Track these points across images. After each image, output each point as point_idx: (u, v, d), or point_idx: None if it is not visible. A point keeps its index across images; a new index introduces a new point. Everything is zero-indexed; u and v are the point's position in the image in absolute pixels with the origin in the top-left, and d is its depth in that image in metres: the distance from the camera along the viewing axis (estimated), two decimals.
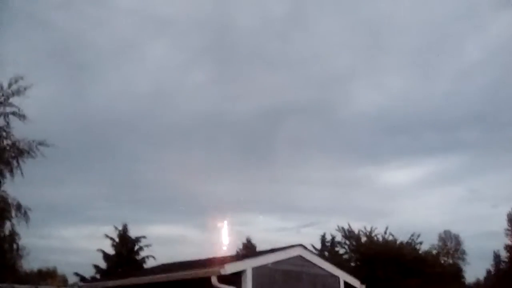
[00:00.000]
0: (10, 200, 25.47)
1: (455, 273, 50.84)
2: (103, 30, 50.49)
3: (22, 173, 25.80)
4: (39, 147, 26.07)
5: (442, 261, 42.26)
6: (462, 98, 65.44)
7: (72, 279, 39.19)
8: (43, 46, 47.36)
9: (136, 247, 41.28)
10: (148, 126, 51.52)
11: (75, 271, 39.78)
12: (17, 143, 25.98)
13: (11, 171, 25.59)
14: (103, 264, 40.11)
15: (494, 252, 66.49)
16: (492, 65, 61.56)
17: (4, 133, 26.00)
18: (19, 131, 26.06)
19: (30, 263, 33.60)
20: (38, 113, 27.17)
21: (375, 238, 36.44)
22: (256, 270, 15.12)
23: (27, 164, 25.99)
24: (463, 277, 58.04)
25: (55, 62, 48.58)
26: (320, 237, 47.79)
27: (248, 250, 47.48)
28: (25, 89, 25.76)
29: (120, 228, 40.99)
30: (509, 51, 56.76)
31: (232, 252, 39.64)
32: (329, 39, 55.36)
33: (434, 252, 44.70)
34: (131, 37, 52.68)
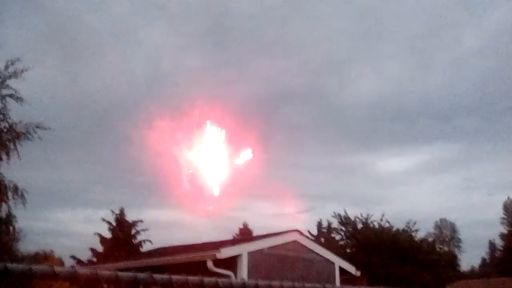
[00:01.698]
0: (6, 183, 25.41)
1: (451, 261, 51.06)
2: (100, 13, 50.21)
3: (19, 156, 25.75)
4: (36, 129, 25.99)
5: (438, 249, 42.31)
6: (458, 86, 65.49)
7: (68, 262, 39.26)
8: (40, 29, 47.12)
9: (133, 231, 41.41)
10: (144, 110, 51.41)
11: (72, 254, 39.97)
12: (14, 126, 25.88)
13: (7, 154, 25.51)
14: (100, 248, 40.24)
15: (490, 240, 66.86)
16: (489, 53, 61.49)
17: (1, 116, 25.91)
18: (16, 113, 25.98)
19: (27, 246, 33.73)
20: (34, 95, 27.07)
21: (371, 225, 36.51)
22: (252, 255, 15.17)
23: (24, 147, 25.93)
24: (458, 265, 58.43)
25: (51, 45, 48.41)
26: (316, 223, 48.04)
27: (245, 235, 47.62)
28: (22, 71, 25.61)
29: (117, 212, 41.09)
30: (506, 39, 56.65)
31: (229, 237, 39.79)
32: (326, 25, 55.20)
33: (430, 240, 44.84)
34: (128, 21, 52.41)
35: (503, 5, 53.44)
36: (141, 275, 2.57)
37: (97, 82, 50.29)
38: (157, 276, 2.64)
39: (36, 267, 2.26)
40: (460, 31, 60.24)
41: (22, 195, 25.60)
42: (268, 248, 16.12)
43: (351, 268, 19.19)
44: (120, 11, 49.65)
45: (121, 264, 18.25)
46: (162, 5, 51.81)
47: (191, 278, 2.82)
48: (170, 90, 53.21)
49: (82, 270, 2.43)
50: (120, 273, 2.52)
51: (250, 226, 52.63)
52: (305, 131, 61.62)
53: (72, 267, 2.45)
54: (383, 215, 35.93)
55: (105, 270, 2.52)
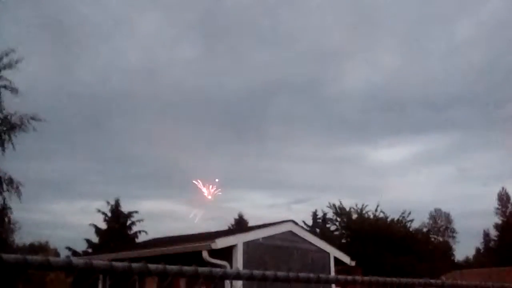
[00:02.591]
0: (1, 174, 25.41)
1: (445, 251, 51.29)
2: (93, 4, 50.10)
3: (13, 147, 25.71)
4: (31, 121, 25.93)
5: (433, 239, 42.50)
6: (452, 77, 65.61)
7: (64, 253, 39.32)
8: (34, 20, 47.01)
9: (128, 222, 41.43)
10: (138, 101, 51.39)
11: (67, 245, 39.99)
12: (9, 117, 25.83)
13: (2, 145, 25.49)
14: (95, 239, 40.28)
15: (484, 230, 67.15)
16: (483, 44, 61.73)
17: None
18: (9, 105, 25.93)
19: (22, 237, 33.72)
20: (28, 87, 27.05)
21: (366, 215, 36.64)
22: (247, 245, 15.22)
23: (18, 138, 25.88)
24: (453, 255, 58.69)
25: (45, 35, 48.32)
26: (311, 213, 48.16)
27: (240, 226, 47.73)
28: (16, 62, 25.56)
29: (112, 203, 41.07)
30: (499, 30, 56.77)
31: (224, 227, 39.87)
32: (320, 16, 55.21)
33: (425, 230, 45.01)
34: (122, 12, 52.34)
35: None
36: (136, 265, 2.58)
37: (91, 73, 50.29)
38: (152, 266, 2.65)
39: (31, 258, 2.27)
40: (454, 22, 60.35)
41: (17, 187, 25.61)
42: (263, 238, 16.17)
43: (346, 258, 19.29)
44: (114, 2, 49.48)
45: (116, 255, 18.28)
46: None
47: (186, 268, 2.83)
48: (164, 81, 53.16)
49: (77, 261, 2.43)
50: (115, 263, 2.53)
51: (245, 217, 52.82)
52: (299, 122, 61.76)
53: (67, 257, 2.46)
54: (377, 206, 36.04)
55: (100, 261, 2.53)
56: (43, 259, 2.33)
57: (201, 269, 2.85)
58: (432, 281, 5.04)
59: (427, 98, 66.19)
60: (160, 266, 2.64)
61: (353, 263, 19.60)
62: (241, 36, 54.70)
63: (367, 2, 53.43)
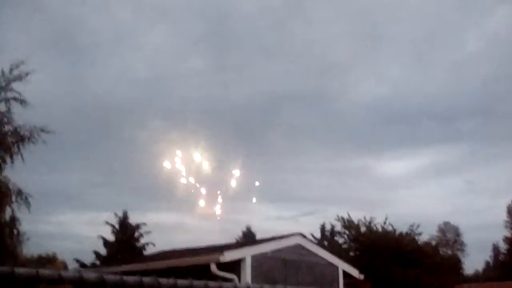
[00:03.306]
0: (10, 186, 25.45)
1: (454, 265, 51.00)
2: (101, 15, 50.32)
3: (22, 159, 25.79)
4: (40, 133, 26.02)
5: (441, 252, 42.37)
6: (460, 89, 65.28)
7: (72, 265, 39.32)
8: (41, 31, 47.27)
9: (136, 234, 41.45)
10: (145, 112, 51.53)
11: (75, 257, 40.02)
12: (18, 129, 25.93)
13: (11, 157, 25.55)
14: (103, 251, 40.29)
15: (493, 244, 66.68)
16: (491, 55, 61.38)
17: (5, 119, 25.96)
18: (19, 116, 26.04)
19: (30, 249, 33.73)
20: (36, 98, 27.10)
21: (375, 228, 36.51)
22: (255, 258, 15.19)
23: (27, 150, 25.98)
24: (462, 268, 58.31)
25: (54, 48, 48.45)
26: (319, 226, 48.00)
27: (248, 238, 47.63)
28: (26, 74, 25.69)
29: (120, 214, 41.13)
30: (508, 42, 56.59)
31: (232, 240, 39.79)
32: (326, 28, 55.06)
33: (433, 243, 44.83)
34: (130, 23, 52.54)
35: (505, 8, 53.41)
36: (146, 279, 2.59)
37: (99, 85, 50.44)
38: (163, 280, 2.66)
39: (42, 271, 2.28)
40: (462, 34, 60.15)
41: (26, 198, 25.64)
42: (271, 251, 16.14)
43: (354, 272, 19.21)
44: (122, 14, 49.74)
45: (125, 268, 18.28)
46: (163, 8, 51.91)
47: (196, 282, 2.83)
48: (171, 93, 53.35)
49: (88, 274, 2.45)
50: (126, 277, 2.54)
51: (253, 229, 52.73)
52: (306, 135, 61.60)
53: (78, 271, 2.47)
54: (386, 218, 35.93)
55: (110, 274, 2.54)
56: (54, 272, 2.34)
57: (211, 283, 2.86)
58: None
59: (435, 110, 65.97)
60: (171, 280, 2.66)
61: (361, 277, 19.51)
62: (248, 47, 54.80)
63: (374, 14, 53.42)
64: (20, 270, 2.22)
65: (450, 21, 57.13)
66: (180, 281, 2.68)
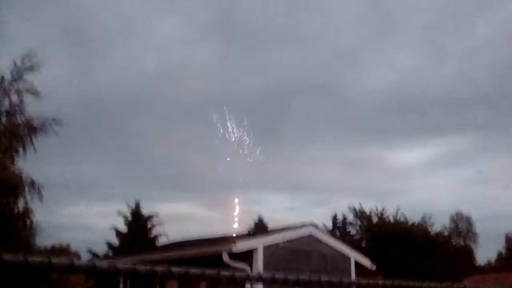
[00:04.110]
0: (23, 177, 25.61)
1: (467, 255, 50.87)
2: (111, 6, 50.42)
3: (35, 150, 25.93)
4: (52, 124, 26.13)
5: (454, 243, 42.25)
6: (472, 77, 64.70)
7: (85, 256, 39.56)
8: (51, 23, 47.49)
9: (149, 225, 41.58)
10: (156, 103, 51.63)
11: (88, 248, 40.24)
12: (30, 120, 26.06)
13: (24, 148, 25.71)
14: (115, 242, 40.47)
15: (506, 233, 66.37)
16: (503, 44, 60.74)
17: (17, 110, 26.10)
18: (31, 107, 26.16)
19: (44, 240, 33.99)
20: (48, 89, 27.22)
21: (387, 218, 36.48)
22: (267, 248, 15.22)
23: (39, 141, 26.11)
24: (474, 258, 58.09)
25: (65, 39, 48.69)
26: (331, 216, 47.95)
27: (260, 229, 47.69)
28: (38, 65, 25.81)
29: (133, 205, 41.25)
30: None
31: (243, 230, 39.87)
32: (337, 16, 54.82)
33: (446, 233, 44.70)
34: (139, 14, 52.58)
35: None
36: (159, 268, 2.59)
37: (111, 76, 50.60)
38: (175, 269, 2.66)
39: (55, 260, 2.29)
40: (474, 20, 59.64)
41: (39, 189, 25.79)
42: (283, 241, 16.15)
43: (366, 262, 19.20)
44: (132, 5, 49.74)
45: (138, 258, 18.37)
46: None
47: (208, 271, 2.83)
48: (182, 83, 53.35)
49: (101, 263, 2.45)
50: (138, 266, 2.54)
51: (264, 220, 52.76)
52: (317, 124, 61.32)
53: (91, 260, 2.48)
54: (398, 209, 35.90)
55: (123, 264, 2.55)
56: (67, 261, 2.36)
57: (223, 273, 2.86)
58: (454, 285, 5.00)
59: (447, 99, 65.39)
60: (183, 269, 2.66)
61: (373, 267, 19.51)
62: (259, 37, 54.61)
63: (385, 2, 53.12)
64: (34, 259, 2.23)
65: (462, 7, 56.66)
66: (192, 270, 2.69)
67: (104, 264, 2.42)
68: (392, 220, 35.74)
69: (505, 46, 59.46)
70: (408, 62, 60.88)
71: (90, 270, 2.42)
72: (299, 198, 74.98)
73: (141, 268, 2.51)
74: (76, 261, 2.33)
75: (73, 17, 46.91)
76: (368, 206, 38.51)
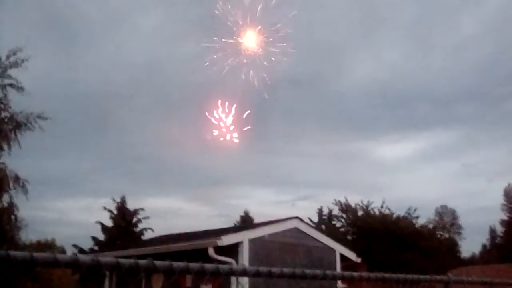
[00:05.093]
0: (8, 172, 25.47)
1: (451, 248, 51.21)
2: (96, 0, 50.05)
3: (20, 145, 25.80)
4: (37, 119, 26.01)
5: (438, 235, 42.49)
6: (458, 72, 65.16)
7: (70, 251, 39.40)
8: (35, 18, 46.99)
9: (135, 220, 41.47)
10: (142, 98, 51.42)
11: (74, 243, 40.08)
12: (15, 116, 25.91)
13: (8, 144, 25.56)
14: (101, 236, 40.33)
15: (490, 226, 66.99)
16: (488, 39, 61.11)
17: (2, 105, 25.93)
18: (15, 103, 26.01)
19: (28, 235, 33.83)
20: (33, 85, 27.03)
21: (372, 212, 36.65)
22: (253, 242, 15.24)
23: (24, 136, 25.96)
24: (459, 251, 58.54)
25: (49, 34, 48.21)
26: (317, 210, 48.11)
27: (246, 223, 47.75)
28: (22, 61, 25.64)
29: (118, 200, 41.12)
30: (505, 25, 56.35)
31: (230, 224, 39.89)
32: (323, 11, 54.84)
33: (430, 226, 45.03)
34: (124, 8, 52.21)
35: None
36: (142, 261, 2.59)
37: (95, 71, 50.17)
38: (158, 263, 2.66)
39: (37, 255, 2.28)
40: (459, 16, 59.88)
41: (24, 185, 25.68)
42: (269, 235, 16.18)
43: (351, 255, 19.29)
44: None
45: (123, 252, 18.33)
46: None
47: (192, 264, 2.84)
48: (167, 78, 53.11)
49: (84, 258, 2.45)
50: (122, 260, 2.54)
51: (251, 214, 52.80)
52: (303, 118, 61.33)
53: (74, 254, 2.47)
54: (383, 202, 36.09)
55: (107, 258, 2.55)
56: (50, 256, 2.35)
57: (207, 266, 2.86)
58: (438, 277, 5.04)
59: (432, 94, 65.74)
60: (166, 263, 2.66)
61: (359, 260, 19.60)
62: (243, 31, 54.43)
63: None
64: (16, 254, 2.22)
65: (448, 3, 56.82)
66: (176, 264, 2.69)
67: (87, 258, 2.41)
68: (377, 213, 35.90)
69: (490, 42, 59.88)
70: (394, 57, 61.00)
71: (73, 265, 2.41)
72: (285, 192, 75.20)
73: (125, 262, 2.51)
74: (59, 256, 2.33)
75: (57, 12, 46.45)
76: (354, 200, 38.70)
